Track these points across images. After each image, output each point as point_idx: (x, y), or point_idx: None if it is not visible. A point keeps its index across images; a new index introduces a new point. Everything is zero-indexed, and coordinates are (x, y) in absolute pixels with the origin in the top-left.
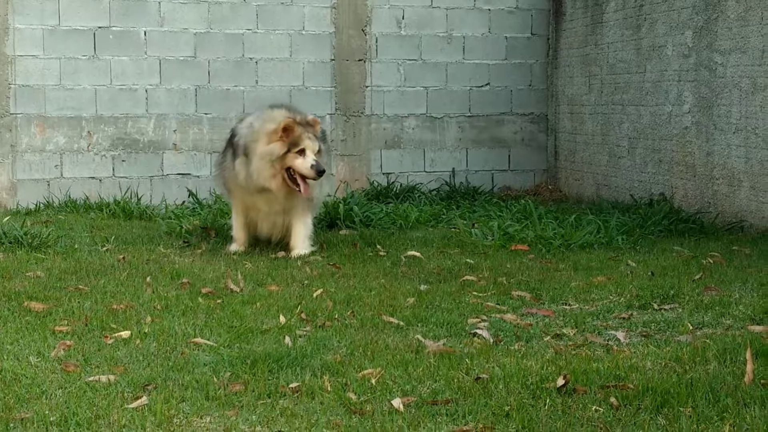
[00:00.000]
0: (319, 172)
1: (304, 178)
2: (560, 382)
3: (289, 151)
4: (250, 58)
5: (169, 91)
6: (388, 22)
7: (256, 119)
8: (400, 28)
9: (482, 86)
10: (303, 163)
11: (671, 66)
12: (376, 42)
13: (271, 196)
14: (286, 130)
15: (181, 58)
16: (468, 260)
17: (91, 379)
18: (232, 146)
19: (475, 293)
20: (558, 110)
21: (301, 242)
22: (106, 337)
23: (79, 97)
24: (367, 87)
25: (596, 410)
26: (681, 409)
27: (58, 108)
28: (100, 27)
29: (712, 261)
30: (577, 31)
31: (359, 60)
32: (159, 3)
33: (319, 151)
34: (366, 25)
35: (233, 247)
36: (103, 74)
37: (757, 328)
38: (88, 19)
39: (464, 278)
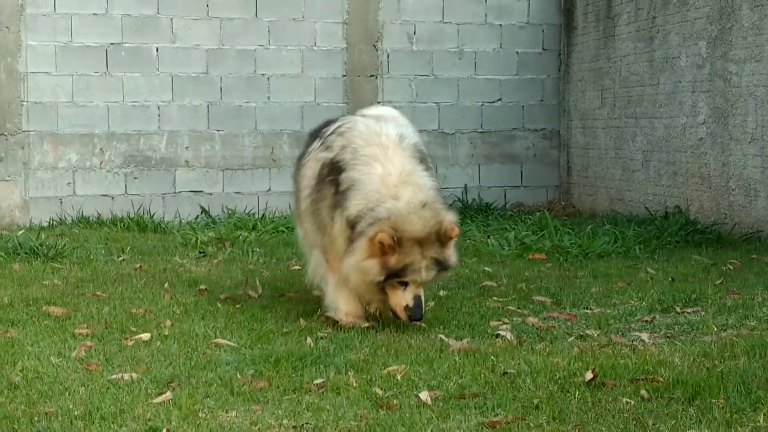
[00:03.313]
0: (413, 320)
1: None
2: (589, 376)
3: (388, 277)
4: (262, 74)
5: (181, 107)
6: (400, 37)
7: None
8: (411, 43)
9: (494, 102)
10: (398, 300)
11: (685, 77)
12: (388, 57)
13: None
14: (383, 247)
15: (193, 75)
16: (486, 268)
17: (114, 377)
18: (337, 184)
19: (495, 298)
20: (570, 125)
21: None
22: (127, 338)
23: (92, 114)
24: (379, 103)
25: (627, 402)
26: (713, 400)
27: (70, 125)
28: (112, 43)
29: (732, 268)
30: (588, 45)
31: (371, 76)
32: (171, 19)
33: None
34: (377, 41)
35: (344, 318)
36: (115, 91)
37: None
38: (100, 35)
39: (483, 284)
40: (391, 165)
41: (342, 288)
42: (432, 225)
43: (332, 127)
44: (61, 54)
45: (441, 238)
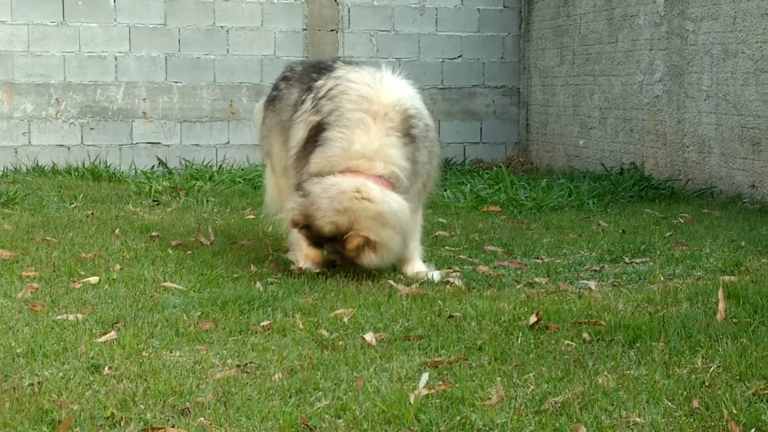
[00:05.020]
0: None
1: None
2: (533, 319)
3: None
4: (221, 27)
5: (138, 59)
6: None
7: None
8: None
9: (455, 58)
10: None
11: (643, 35)
12: (349, 12)
13: None
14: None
15: (151, 26)
16: (440, 219)
17: (59, 317)
18: (316, 143)
19: (447, 247)
20: (530, 83)
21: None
22: (74, 281)
23: (48, 63)
24: (339, 58)
25: (568, 344)
26: (653, 343)
27: (26, 74)
28: None
29: (682, 221)
30: (549, 2)
31: (331, 30)
32: None
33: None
34: None
35: (302, 264)
36: (72, 41)
37: (728, 278)
38: None
39: (436, 234)
40: (365, 135)
41: None
42: (339, 230)
43: (325, 87)
44: (16, 3)
45: (344, 243)
